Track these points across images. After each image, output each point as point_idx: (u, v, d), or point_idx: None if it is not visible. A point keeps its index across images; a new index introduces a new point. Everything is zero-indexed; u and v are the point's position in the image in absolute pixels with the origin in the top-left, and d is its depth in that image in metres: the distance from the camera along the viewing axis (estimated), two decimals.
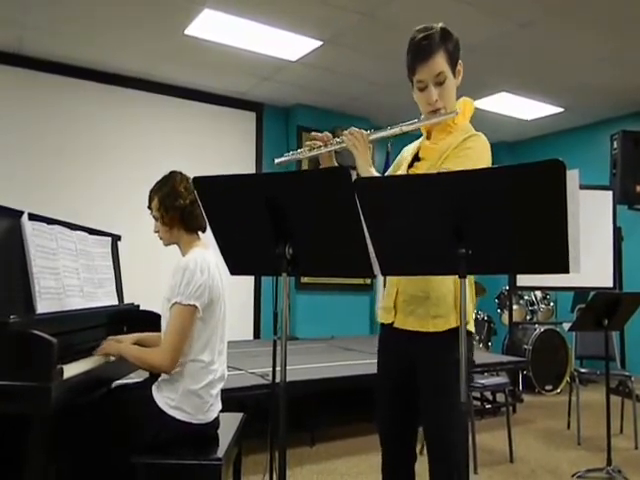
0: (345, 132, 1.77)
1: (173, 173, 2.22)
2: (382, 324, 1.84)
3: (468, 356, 1.69)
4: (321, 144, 1.80)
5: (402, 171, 1.85)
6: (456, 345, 1.61)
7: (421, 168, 1.77)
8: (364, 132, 1.75)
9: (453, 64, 1.73)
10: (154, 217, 2.21)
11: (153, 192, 2.21)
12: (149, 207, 2.22)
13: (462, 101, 1.82)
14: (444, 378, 1.66)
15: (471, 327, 1.75)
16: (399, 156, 1.97)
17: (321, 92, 6.18)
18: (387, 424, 1.84)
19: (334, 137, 1.81)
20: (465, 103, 1.82)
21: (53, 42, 4.97)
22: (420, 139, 1.89)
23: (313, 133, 1.83)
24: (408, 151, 1.93)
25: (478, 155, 1.66)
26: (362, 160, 1.73)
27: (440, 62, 1.69)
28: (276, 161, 1.88)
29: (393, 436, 1.83)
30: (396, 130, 1.75)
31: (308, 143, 1.83)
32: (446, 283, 1.67)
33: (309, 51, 5.08)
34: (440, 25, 1.73)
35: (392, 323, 1.77)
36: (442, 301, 1.67)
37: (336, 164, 1.81)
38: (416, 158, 1.83)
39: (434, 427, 1.71)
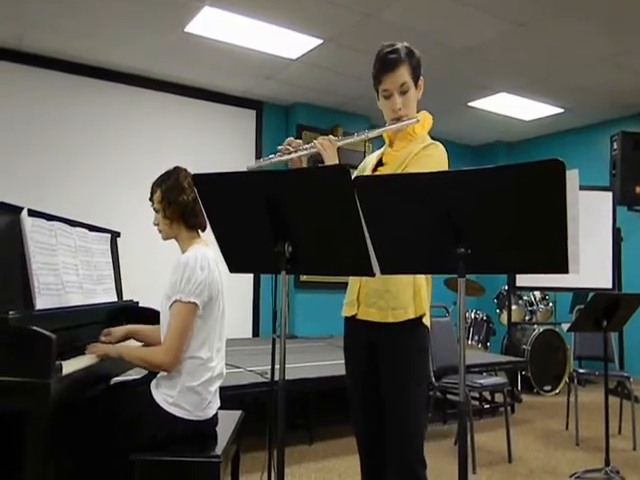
0: (315, 140, 1.89)
1: (177, 168, 2.22)
2: (345, 319, 1.94)
3: (424, 346, 1.84)
4: (291, 150, 1.90)
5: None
6: (414, 335, 1.81)
7: (384, 172, 1.89)
8: (332, 138, 1.88)
9: (415, 78, 1.88)
10: (155, 210, 2.20)
11: (156, 185, 2.20)
12: (150, 199, 2.21)
13: (422, 113, 1.94)
14: (402, 365, 1.79)
15: (428, 322, 1.85)
16: (362, 163, 2.09)
17: (321, 91, 6.18)
18: (360, 423, 1.93)
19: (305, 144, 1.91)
20: (424, 116, 1.94)
21: (53, 38, 4.97)
22: (382, 148, 2.02)
23: (288, 139, 1.94)
24: (371, 157, 2.06)
25: (436, 162, 1.81)
26: (331, 162, 1.85)
27: (404, 73, 1.84)
28: (248, 166, 2.00)
29: (368, 436, 1.90)
30: (362, 137, 1.90)
31: (280, 148, 1.92)
32: (405, 278, 1.81)
33: (309, 49, 5.07)
34: (405, 44, 1.88)
35: (355, 315, 1.88)
36: (401, 294, 1.80)
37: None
38: (379, 163, 1.96)
39: (392, 415, 1.78)
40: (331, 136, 1.88)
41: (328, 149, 1.85)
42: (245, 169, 1.97)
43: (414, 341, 1.80)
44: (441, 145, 1.88)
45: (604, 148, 5.87)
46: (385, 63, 1.85)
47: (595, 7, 4.19)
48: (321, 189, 1.45)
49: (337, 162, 1.83)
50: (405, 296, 1.80)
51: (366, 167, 2.02)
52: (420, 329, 1.82)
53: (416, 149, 1.85)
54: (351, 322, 1.92)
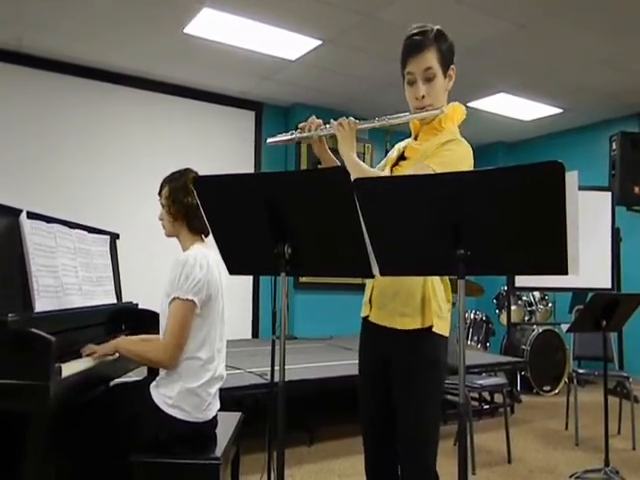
0: (334, 121, 1.80)
1: (188, 170, 2.24)
2: (362, 318, 1.89)
3: (440, 359, 1.71)
4: (313, 128, 1.82)
5: (387, 170, 1.87)
6: (425, 347, 1.69)
7: (405, 167, 1.80)
8: (352, 120, 1.78)
9: (445, 65, 1.75)
10: (161, 204, 2.23)
11: (165, 181, 2.24)
12: (159, 194, 2.24)
13: (452, 105, 1.82)
14: (412, 381, 1.69)
15: (444, 329, 1.71)
16: (388, 155, 1.98)
17: (320, 92, 6.18)
18: (369, 420, 1.87)
19: (325, 124, 1.84)
20: (455, 108, 1.81)
21: (53, 40, 4.96)
22: (409, 139, 1.91)
23: (311, 117, 1.85)
24: (396, 150, 1.94)
25: (459, 157, 1.68)
26: (344, 144, 1.77)
27: (430, 58, 1.71)
28: (268, 141, 1.94)
29: (375, 430, 1.85)
30: (383, 122, 1.79)
31: (301, 126, 1.85)
32: (415, 281, 1.69)
33: (309, 50, 5.07)
34: (437, 27, 1.75)
35: (368, 316, 1.83)
36: (410, 299, 1.69)
37: (327, 148, 1.87)
38: (402, 157, 1.86)
39: (404, 426, 1.72)
40: (352, 118, 1.78)
41: (343, 130, 1.76)
42: (267, 142, 1.93)
43: (424, 355, 1.69)
44: (465, 142, 1.74)
45: (603, 148, 5.87)
46: (411, 45, 1.73)
47: (594, 7, 4.18)
48: (320, 190, 1.45)
49: (351, 144, 1.77)
50: (414, 302, 1.68)
51: (388, 162, 1.91)
52: (432, 340, 1.69)
53: (438, 142, 1.72)
54: (365, 322, 1.87)
